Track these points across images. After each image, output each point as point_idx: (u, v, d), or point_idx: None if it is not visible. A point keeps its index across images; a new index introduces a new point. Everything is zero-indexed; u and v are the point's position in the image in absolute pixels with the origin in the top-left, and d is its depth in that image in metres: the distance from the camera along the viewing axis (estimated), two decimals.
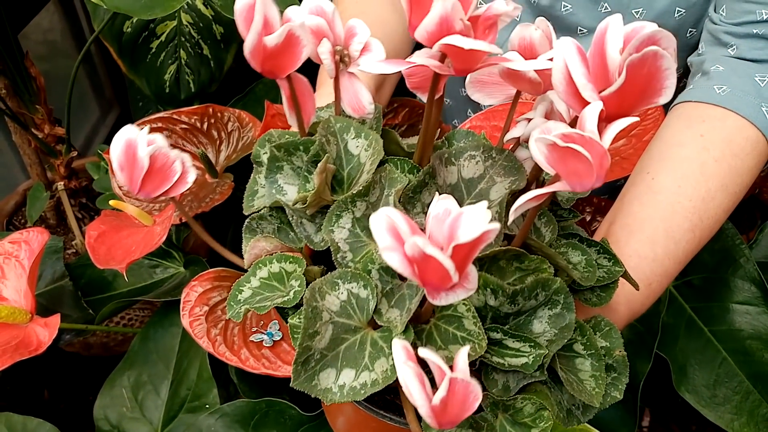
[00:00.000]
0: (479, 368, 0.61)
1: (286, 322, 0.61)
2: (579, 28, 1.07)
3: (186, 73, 1.42)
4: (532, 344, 0.58)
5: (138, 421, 1.08)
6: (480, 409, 0.61)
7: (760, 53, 0.89)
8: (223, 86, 1.48)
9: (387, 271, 0.59)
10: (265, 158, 0.67)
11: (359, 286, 0.58)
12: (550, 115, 0.60)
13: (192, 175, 0.65)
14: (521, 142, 0.65)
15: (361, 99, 0.64)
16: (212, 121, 1.20)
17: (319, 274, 0.63)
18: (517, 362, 0.57)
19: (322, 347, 0.57)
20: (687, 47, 1.06)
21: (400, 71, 0.57)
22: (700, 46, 0.98)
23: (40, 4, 1.62)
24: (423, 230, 0.45)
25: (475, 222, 0.41)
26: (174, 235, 1.26)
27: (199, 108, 1.19)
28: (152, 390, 1.10)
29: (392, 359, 0.55)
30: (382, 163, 0.64)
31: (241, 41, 0.56)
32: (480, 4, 0.51)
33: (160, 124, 1.16)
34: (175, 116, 1.19)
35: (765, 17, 0.88)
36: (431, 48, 0.50)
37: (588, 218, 1.14)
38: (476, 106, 1.26)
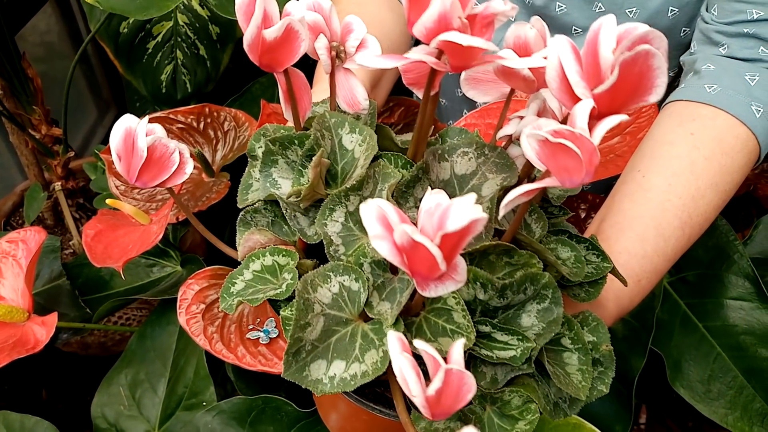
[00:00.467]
0: (468, 361, 0.62)
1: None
2: (573, 27, 1.07)
3: (182, 73, 1.43)
4: (520, 337, 0.59)
5: (135, 419, 1.08)
6: (468, 402, 0.62)
7: (750, 52, 0.89)
8: (219, 86, 1.49)
9: (379, 264, 0.59)
10: (260, 152, 0.68)
11: (351, 279, 0.59)
12: (543, 113, 0.61)
13: (190, 166, 0.65)
14: (513, 140, 0.66)
15: (356, 95, 0.65)
16: (208, 120, 1.21)
17: (311, 267, 0.63)
18: (506, 355, 0.58)
19: (314, 339, 0.57)
20: (680, 46, 1.06)
21: (396, 70, 0.58)
22: (692, 45, 0.98)
23: (37, 6, 1.62)
24: (415, 224, 0.45)
25: (463, 212, 0.42)
26: (171, 234, 1.27)
27: (196, 108, 1.20)
28: (149, 388, 1.10)
29: (382, 351, 0.56)
30: (375, 158, 0.65)
31: (238, 41, 0.56)
32: (476, 4, 0.51)
33: (156, 124, 1.17)
34: (171, 116, 1.20)
35: (755, 16, 0.88)
36: (429, 44, 0.51)
37: (582, 215, 1.14)
38: (472, 107, 1.27)
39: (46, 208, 1.46)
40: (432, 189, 0.47)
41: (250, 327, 0.87)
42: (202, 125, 1.20)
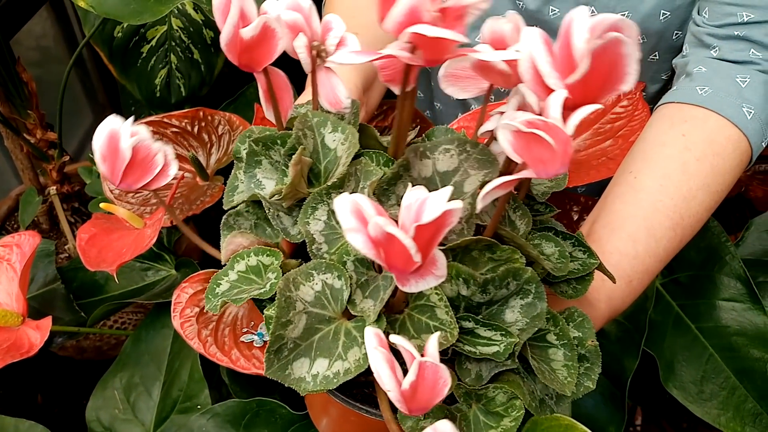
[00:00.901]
0: (453, 357, 0.62)
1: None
2: None
3: (176, 78, 1.43)
4: (504, 333, 0.59)
5: (130, 423, 1.08)
6: (454, 400, 0.62)
7: (741, 55, 0.89)
8: (213, 90, 1.49)
9: (362, 262, 0.60)
10: (244, 153, 0.68)
11: (334, 277, 0.59)
12: (524, 107, 0.61)
13: (174, 168, 0.65)
14: (495, 136, 0.66)
15: (337, 94, 0.65)
16: (203, 124, 1.21)
17: (296, 267, 0.63)
18: (489, 351, 0.58)
19: (295, 336, 0.57)
20: (673, 49, 1.07)
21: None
22: (684, 47, 0.99)
23: (32, 10, 1.63)
24: (396, 221, 0.46)
25: (437, 204, 0.42)
26: (165, 238, 1.27)
27: (190, 111, 1.20)
28: (144, 391, 1.10)
29: (365, 348, 0.56)
30: (358, 156, 0.65)
31: None
32: None
33: (150, 128, 1.16)
34: (165, 120, 1.20)
35: (746, 19, 0.89)
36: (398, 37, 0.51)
37: (575, 217, 1.15)
38: (467, 110, 1.27)
39: (42, 213, 1.46)
40: (413, 186, 0.48)
41: (244, 330, 0.87)
42: (196, 129, 1.20)
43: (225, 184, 1.12)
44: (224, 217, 0.70)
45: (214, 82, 1.48)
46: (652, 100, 1.14)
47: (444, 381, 0.47)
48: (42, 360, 1.12)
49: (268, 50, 0.59)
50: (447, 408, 0.61)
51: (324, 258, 0.61)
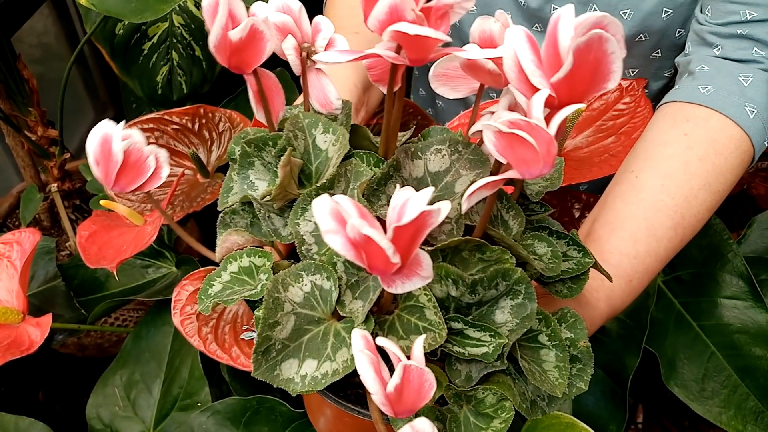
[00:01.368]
0: (443, 358, 0.61)
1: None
2: None
3: (178, 75, 1.43)
4: (493, 333, 0.58)
5: (130, 420, 1.08)
6: (444, 401, 0.62)
7: (744, 53, 0.89)
8: (215, 87, 1.49)
9: (352, 263, 0.59)
10: (238, 155, 0.68)
11: (323, 278, 0.58)
12: (515, 107, 0.60)
13: (166, 170, 0.65)
14: None
15: (328, 95, 0.65)
16: (203, 121, 1.21)
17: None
18: (478, 351, 0.58)
19: (283, 337, 0.57)
20: (676, 47, 1.06)
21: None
22: (686, 46, 0.98)
23: (33, 8, 1.63)
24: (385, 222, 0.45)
25: (416, 205, 0.42)
26: (166, 236, 1.27)
27: (191, 108, 1.20)
28: (145, 389, 1.10)
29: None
30: (349, 156, 0.64)
31: None
32: None
33: (151, 125, 1.17)
34: (166, 117, 1.20)
35: (749, 18, 0.88)
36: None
37: (577, 215, 1.14)
38: (469, 107, 1.27)
39: (43, 210, 1.47)
40: (401, 186, 0.47)
41: (244, 328, 0.87)
42: (197, 126, 1.20)
43: None
44: (220, 215, 0.70)
45: (216, 79, 1.48)
46: (655, 97, 1.13)
47: (430, 384, 0.47)
48: (43, 357, 1.12)
49: (257, 52, 0.59)
50: (438, 409, 0.61)
51: (314, 259, 0.61)
